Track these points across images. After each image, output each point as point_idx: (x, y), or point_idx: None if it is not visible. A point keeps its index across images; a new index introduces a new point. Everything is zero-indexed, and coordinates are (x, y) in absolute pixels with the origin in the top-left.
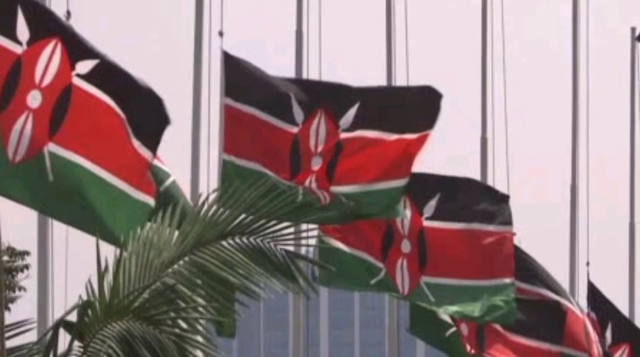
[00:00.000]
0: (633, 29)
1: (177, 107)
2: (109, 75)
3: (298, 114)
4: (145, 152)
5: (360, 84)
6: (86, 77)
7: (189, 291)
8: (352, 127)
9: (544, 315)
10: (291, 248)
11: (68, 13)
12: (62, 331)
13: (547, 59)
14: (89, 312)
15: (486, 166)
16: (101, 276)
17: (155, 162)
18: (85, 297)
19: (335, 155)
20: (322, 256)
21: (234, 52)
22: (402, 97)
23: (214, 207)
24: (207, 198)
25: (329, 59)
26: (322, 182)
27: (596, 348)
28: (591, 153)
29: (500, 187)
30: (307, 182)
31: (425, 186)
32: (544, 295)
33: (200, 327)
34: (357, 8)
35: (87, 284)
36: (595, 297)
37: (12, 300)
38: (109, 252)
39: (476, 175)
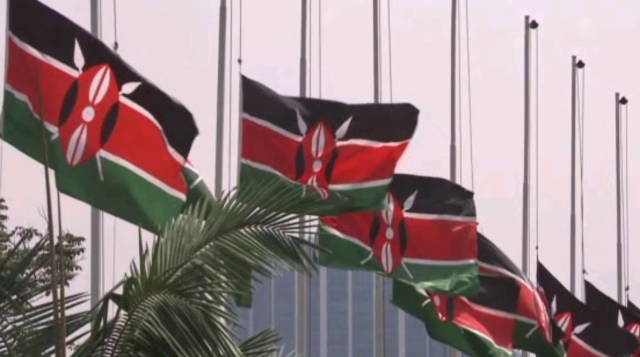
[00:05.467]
0: (574, 57)
1: (204, 120)
2: (149, 94)
3: (302, 126)
4: (178, 157)
5: (353, 102)
6: (130, 96)
7: (214, 269)
8: (346, 137)
9: (501, 289)
10: (296, 235)
11: (116, 44)
12: (110, 302)
13: (504, 81)
14: (133, 287)
15: (455, 168)
16: (142, 257)
17: (186, 165)
18: (129, 275)
19: (332, 159)
20: (322, 241)
21: (250, 75)
22: (387, 112)
23: (234, 202)
24: (228, 194)
25: (327, 81)
26: (321, 181)
27: (544, 316)
28: (540, 158)
29: (466, 185)
30: (309, 182)
31: (405, 184)
32: (502, 273)
33: (222, 299)
34: (350, 40)
35: (131, 264)
36: (543, 274)
37: (70, 277)
38: (148, 238)
39: (446, 175)
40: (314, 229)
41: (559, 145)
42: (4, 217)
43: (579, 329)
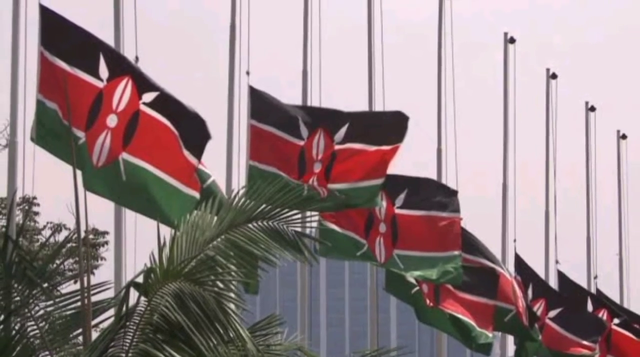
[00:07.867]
0: (548, 69)
1: (216, 126)
2: (167, 103)
3: (304, 131)
4: (192, 159)
5: (349, 109)
6: (150, 105)
7: (225, 260)
8: (343, 141)
9: (482, 278)
10: (298, 229)
11: (136, 58)
12: (132, 290)
13: (485, 91)
14: (152, 276)
15: (441, 169)
16: (161, 249)
17: (200, 166)
18: (149, 265)
19: (331, 161)
20: (322, 234)
21: (257, 86)
22: (380, 119)
23: (243, 199)
24: (238, 193)
25: (327, 91)
26: (321, 181)
27: (521, 302)
28: (517, 160)
29: (451, 184)
30: (310, 181)
31: (397, 184)
32: (483, 263)
33: (232, 287)
34: (347, 54)
35: (151, 255)
36: (520, 264)
37: (96, 267)
38: (166, 232)
39: (433, 176)
40: (314, 224)
41: (534, 148)
42: (36, 213)
43: (552, 313)
